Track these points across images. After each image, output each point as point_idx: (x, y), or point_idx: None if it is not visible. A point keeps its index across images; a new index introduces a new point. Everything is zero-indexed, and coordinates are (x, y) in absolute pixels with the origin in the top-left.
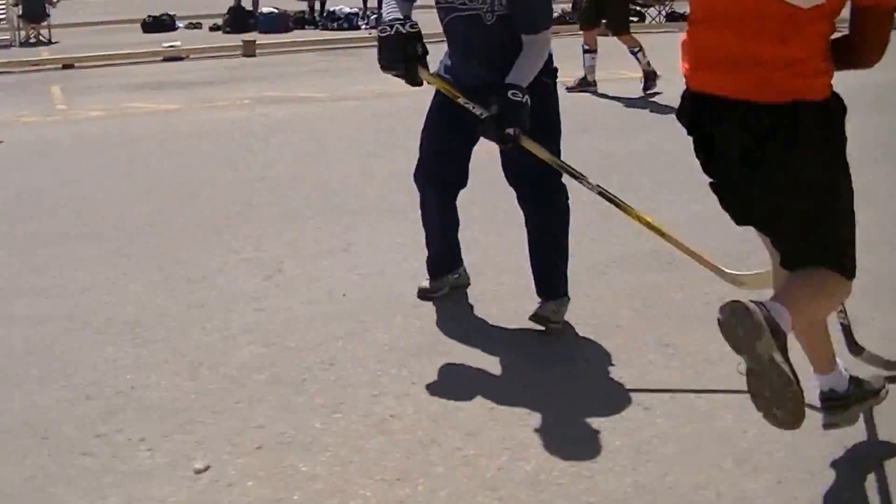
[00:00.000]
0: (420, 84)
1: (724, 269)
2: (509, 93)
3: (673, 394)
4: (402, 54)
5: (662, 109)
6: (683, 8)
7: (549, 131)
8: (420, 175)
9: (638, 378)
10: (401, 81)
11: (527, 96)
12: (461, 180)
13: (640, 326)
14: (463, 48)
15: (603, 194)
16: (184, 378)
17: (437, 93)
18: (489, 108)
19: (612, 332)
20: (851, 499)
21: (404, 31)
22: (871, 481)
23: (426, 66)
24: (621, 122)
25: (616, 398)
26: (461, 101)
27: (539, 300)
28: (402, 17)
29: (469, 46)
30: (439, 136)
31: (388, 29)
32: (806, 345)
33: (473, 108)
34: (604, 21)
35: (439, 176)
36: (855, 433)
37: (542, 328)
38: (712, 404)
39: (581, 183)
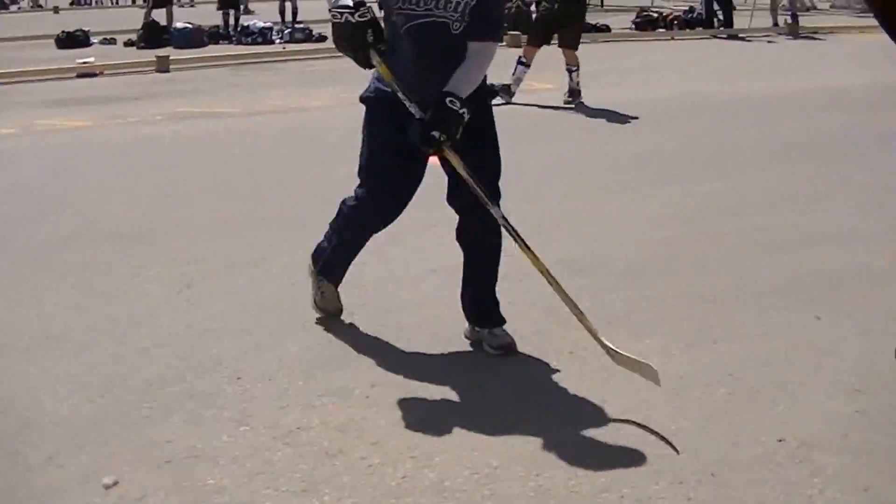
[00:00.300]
0: (371, 67)
1: (602, 338)
2: (447, 99)
3: (578, 400)
4: (352, 41)
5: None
6: (596, 19)
7: (497, 152)
8: (366, 203)
9: (544, 385)
10: (314, 95)
11: (465, 109)
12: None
13: (549, 334)
14: (424, 58)
15: (506, 227)
16: (94, 393)
17: (381, 131)
18: (415, 107)
19: (520, 340)
20: (751, 498)
21: (353, 21)
22: (769, 481)
23: (378, 51)
24: (546, 129)
25: (522, 405)
26: (400, 95)
27: (476, 328)
28: (352, 4)
29: (432, 56)
30: (395, 180)
31: (339, 17)
32: None
33: (409, 105)
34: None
35: (385, 220)
36: (752, 435)
37: (470, 344)
38: (617, 410)
39: (490, 210)
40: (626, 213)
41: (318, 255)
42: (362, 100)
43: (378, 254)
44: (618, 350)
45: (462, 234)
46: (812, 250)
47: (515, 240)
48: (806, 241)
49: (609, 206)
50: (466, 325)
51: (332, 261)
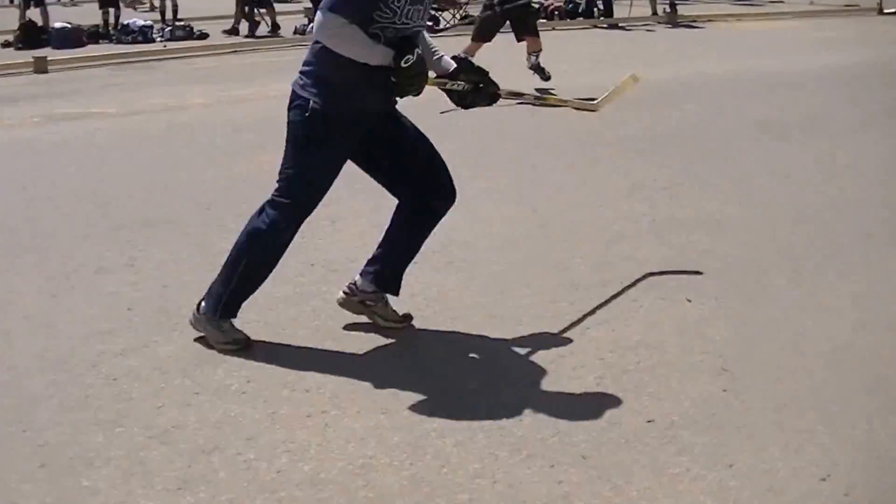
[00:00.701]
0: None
1: (589, 103)
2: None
3: (450, 388)
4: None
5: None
6: (476, 12)
7: None
8: (296, 221)
9: (416, 374)
10: (195, 93)
11: None
12: None
13: (420, 323)
14: None
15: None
16: None
17: (338, 146)
18: (460, 83)
19: (392, 330)
20: (620, 479)
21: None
22: (639, 461)
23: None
24: None
25: (394, 394)
26: (449, 84)
27: (381, 300)
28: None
29: None
30: (323, 194)
31: (412, 56)
32: None
33: (457, 85)
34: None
35: (294, 233)
36: (622, 417)
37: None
38: (488, 397)
39: (525, 100)
40: (496, 203)
41: (214, 302)
42: (315, 112)
43: None
44: (596, 100)
45: (422, 217)
46: (682, 236)
47: (537, 98)
48: (676, 228)
49: (477, 200)
50: (350, 294)
51: (233, 300)
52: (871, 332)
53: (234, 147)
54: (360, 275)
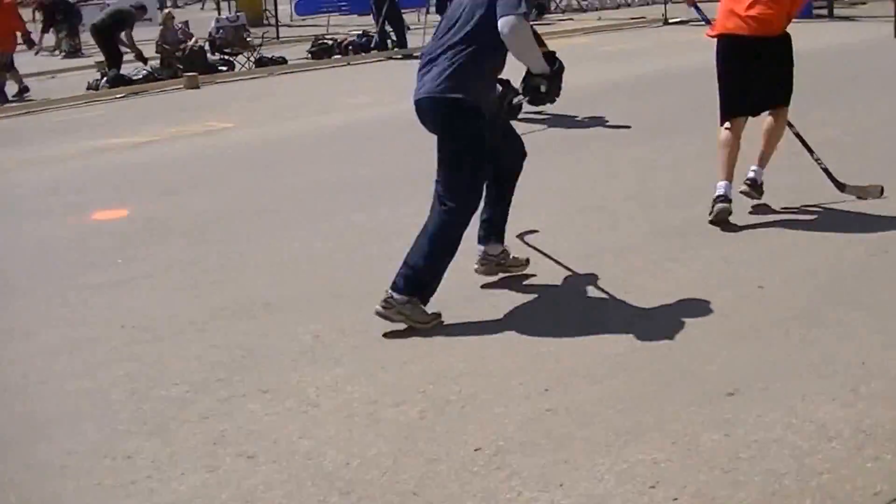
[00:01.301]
0: None
1: None
2: None
3: (275, 439)
4: None
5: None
6: (272, 52)
7: None
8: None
9: (235, 427)
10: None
11: None
12: None
13: (238, 374)
14: None
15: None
16: None
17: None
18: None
19: (210, 384)
20: None
21: None
22: (470, 491)
23: None
24: None
25: (215, 451)
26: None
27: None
28: None
29: None
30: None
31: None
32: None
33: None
34: None
35: None
36: (449, 448)
37: None
38: (314, 444)
39: None
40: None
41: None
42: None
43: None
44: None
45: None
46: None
47: None
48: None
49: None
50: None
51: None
52: (687, 326)
53: (42, 209)
54: (482, 243)
